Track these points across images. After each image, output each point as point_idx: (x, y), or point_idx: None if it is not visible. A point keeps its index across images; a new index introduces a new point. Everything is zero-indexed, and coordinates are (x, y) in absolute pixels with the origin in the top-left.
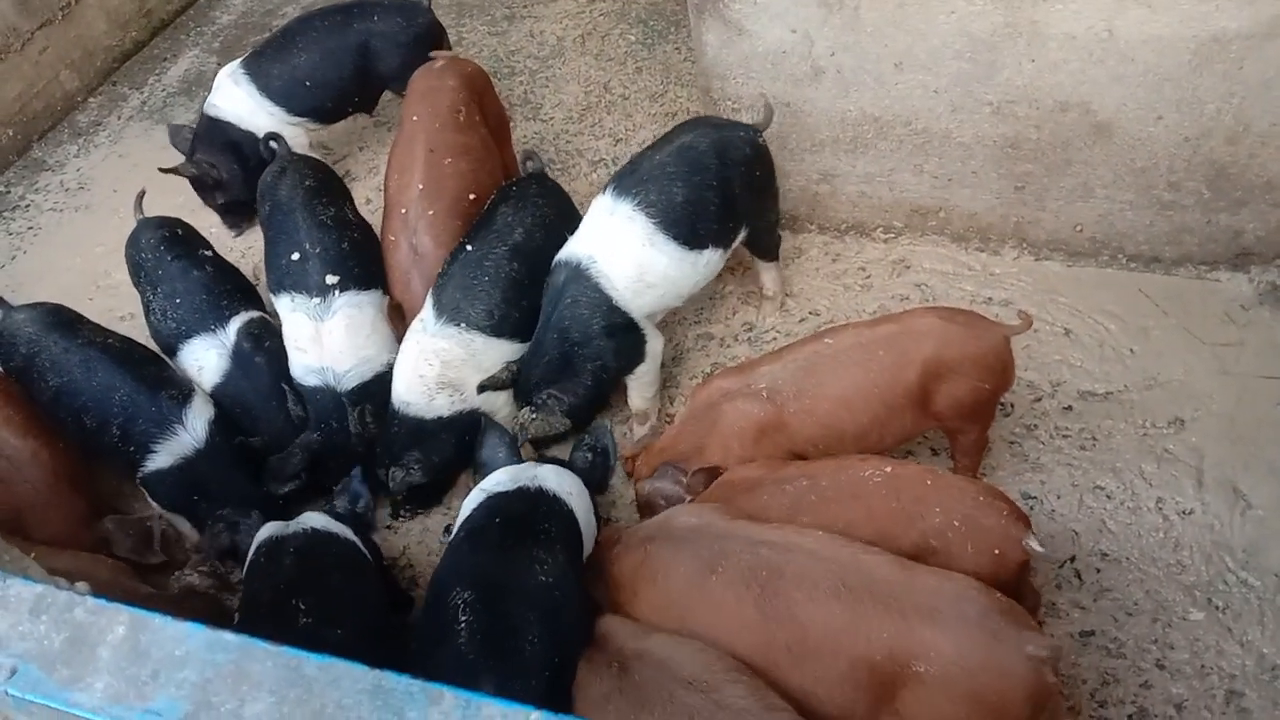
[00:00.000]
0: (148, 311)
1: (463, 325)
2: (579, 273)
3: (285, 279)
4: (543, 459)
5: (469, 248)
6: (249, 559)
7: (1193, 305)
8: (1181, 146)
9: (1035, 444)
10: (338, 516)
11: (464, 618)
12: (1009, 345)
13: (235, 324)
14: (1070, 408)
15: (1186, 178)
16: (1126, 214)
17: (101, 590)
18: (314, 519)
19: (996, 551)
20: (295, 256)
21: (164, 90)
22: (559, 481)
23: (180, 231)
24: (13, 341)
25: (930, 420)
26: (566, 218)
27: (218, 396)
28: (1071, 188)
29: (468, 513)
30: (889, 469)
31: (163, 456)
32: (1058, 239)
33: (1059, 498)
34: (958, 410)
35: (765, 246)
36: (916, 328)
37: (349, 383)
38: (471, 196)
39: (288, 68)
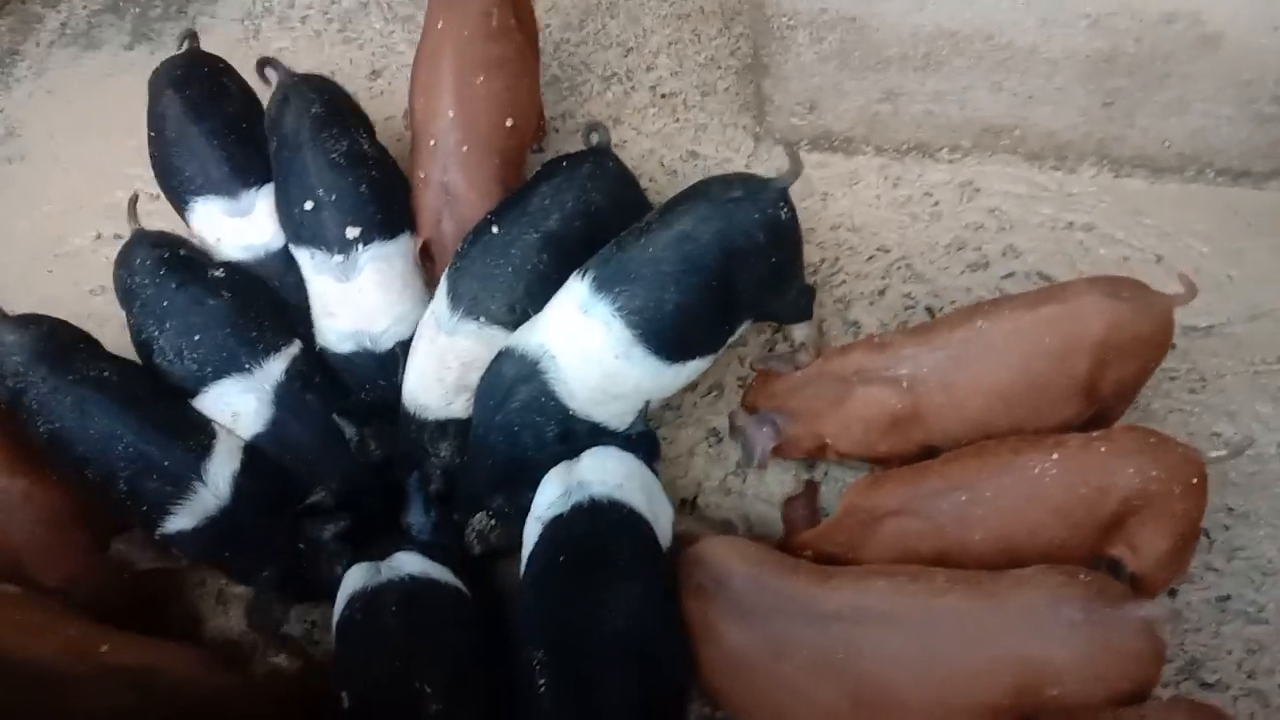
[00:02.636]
0: (148, 349)
1: (482, 320)
2: (533, 372)
3: (302, 231)
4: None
5: (495, 229)
6: (339, 615)
7: None
8: None
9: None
10: (427, 551)
11: (540, 681)
12: (1173, 317)
13: (277, 362)
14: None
15: None
16: (1222, 128)
17: (182, 685)
18: (408, 563)
19: (1194, 481)
20: (309, 206)
21: (85, 8)
22: (604, 474)
23: (182, 251)
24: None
25: (1091, 406)
26: (620, 207)
27: (263, 447)
28: (1166, 102)
29: (528, 549)
30: (1054, 455)
31: (182, 518)
32: (1142, 155)
33: None
34: (1121, 393)
35: (790, 316)
36: (1083, 309)
37: (386, 343)
38: (509, 123)
39: None
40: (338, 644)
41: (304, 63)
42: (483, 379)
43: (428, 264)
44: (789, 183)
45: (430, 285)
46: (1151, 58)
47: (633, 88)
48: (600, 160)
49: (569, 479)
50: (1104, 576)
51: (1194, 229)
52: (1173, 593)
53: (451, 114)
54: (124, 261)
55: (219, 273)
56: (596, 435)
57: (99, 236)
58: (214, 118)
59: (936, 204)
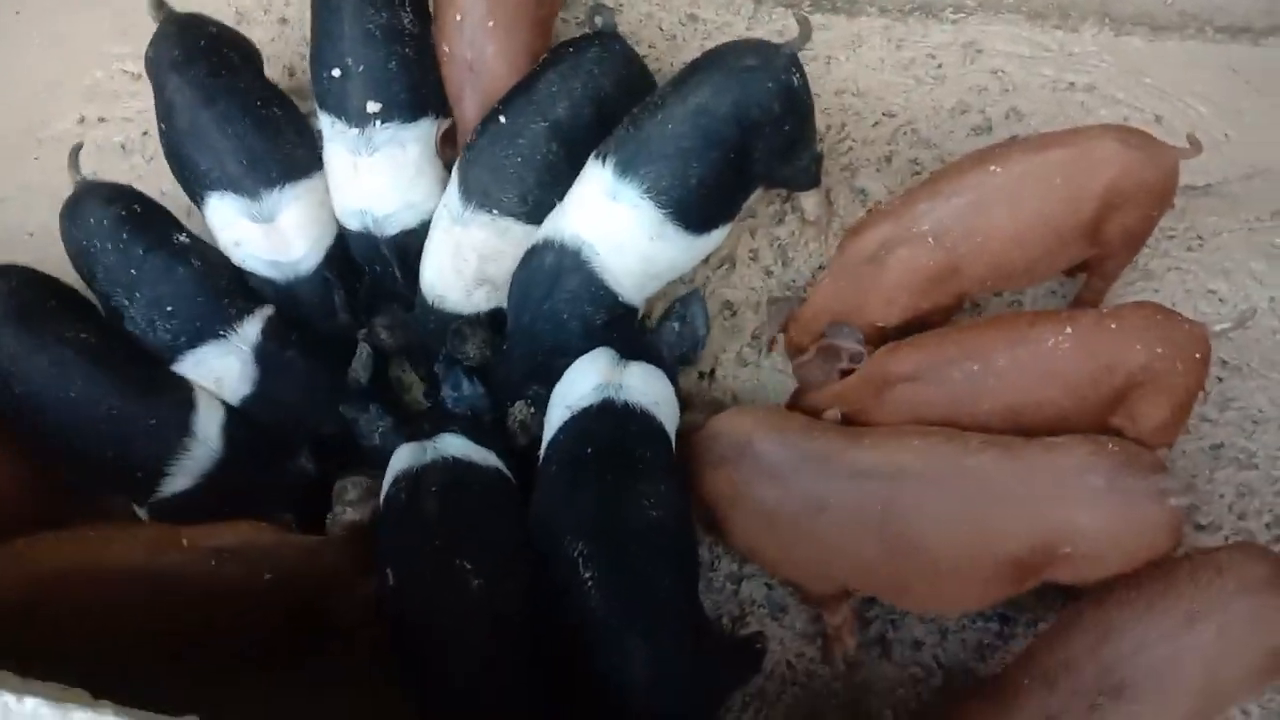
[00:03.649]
0: (117, 316)
1: (495, 212)
2: (577, 264)
3: (327, 97)
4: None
5: (502, 119)
6: (386, 493)
7: None
8: None
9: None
10: (471, 432)
11: (588, 574)
12: (1178, 169)
13: (252, 324)
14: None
15: None
16: None
17: (270, 550)
18: (453, 444)
19: (1198, 356)
20: (336, 73)
21: None
22: (646, 389)
23: (139, 209)
24: None
25: (1093, 248)
26: (628, 91)
27: (250, 408)
28: None
29: (551, 433)
30: (1068, 329)
31: (180, 478)
32: (1143, 12)
33: (1174, 305)
34: (1125, 239)
35: (801, 183)
36: (1095, 154)
37: (390, 228)
38: None
39: None
40: (383, 522)
41: None
42: (520, 274)
43: (447, 149)
44: (799, 47)
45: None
46: None
47: None
48: (607, 44)
49: (610, 377)
50: (1132, 447)
51: (1193, 88)
52: (1169, 444)
53: None
54: (74, 217)
55: (184, 237)
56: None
57: (82, 120)
58: (226, 100)
59: (940, 66)
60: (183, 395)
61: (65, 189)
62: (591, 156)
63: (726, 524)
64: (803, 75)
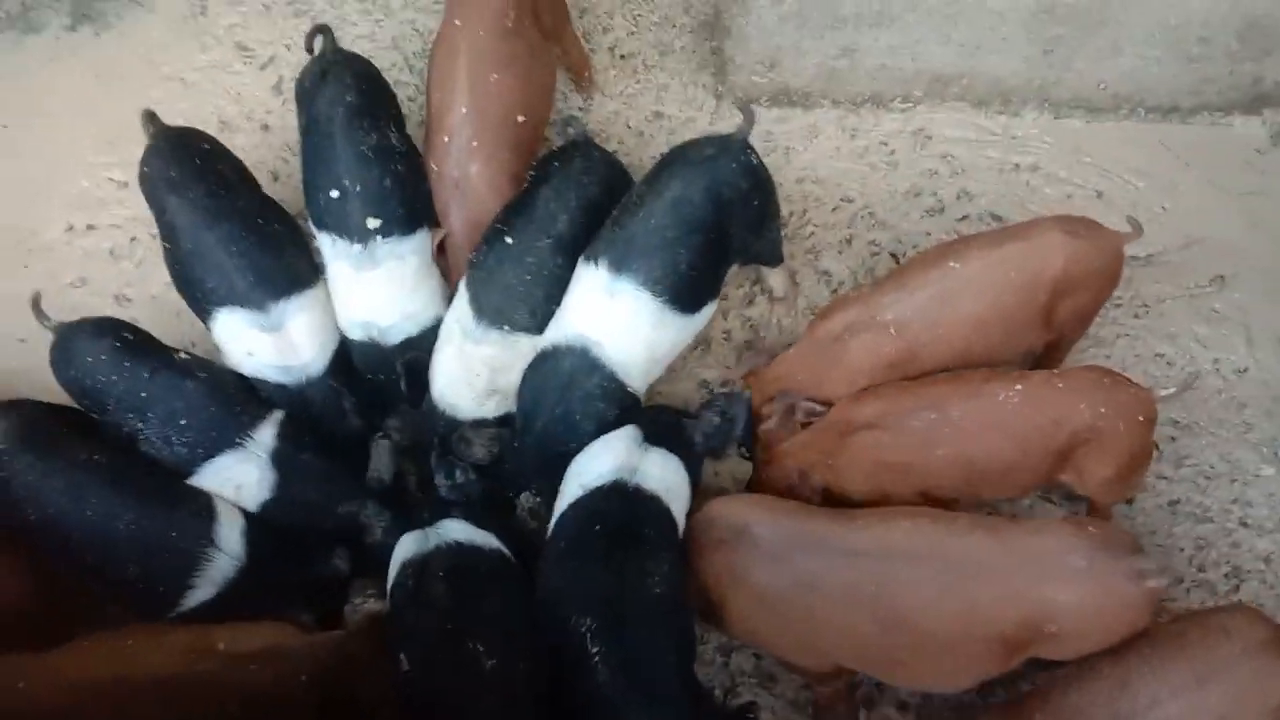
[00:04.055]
0: (133, 440)
1: (506, 329)
2: (587, 362)
3: (326, 217)
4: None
5: (508, 240)
6: (393, 581)
7: (1213, 154)
8: (1218, 3)
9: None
10: (471, 516)
11: (595, 649)
12: (1122, 252)
13: (266, 429)
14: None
15: (1218, 31)
16: (1152, 69)
17: (301, 651)
18: (456, 530)
19: (1141, 418)
20: (334, 194)
21: None
22: (661, 476)
23: (130, 335)
24: None
25: (1049, 333)
26: (613, 192)
27: (271, 512)
28: (1101, 47)
29: (564, 507)
30: (1018, 386)
31: (203, 589)
32: (1079, 96)
33: (1125, 369)
34: (1077, 321)
35: (769, 257)
36: (1044, 245)
37: (394, 338)
38: (520, 118)
39: None
40: (393, 609)
41: (256, 37)
42: (531, 381)
43: (441, 258)
44: (748, 132)
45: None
46: (1088, 7)
47: (592, 50)
48: (586, 153)
49: (627, 459)
50: (1110, 529)
51: (1130, 165)
52: (1130, 502)
53: (464, 109)
54: (69, 360)
55: (182, 354)
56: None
57: (70, 228)
58: (228, 219)
59: (893, 153)
60: (201, 505)
61: (60, 295)
62: (581, 261)
63: (724, 606)
64: (758, 156)
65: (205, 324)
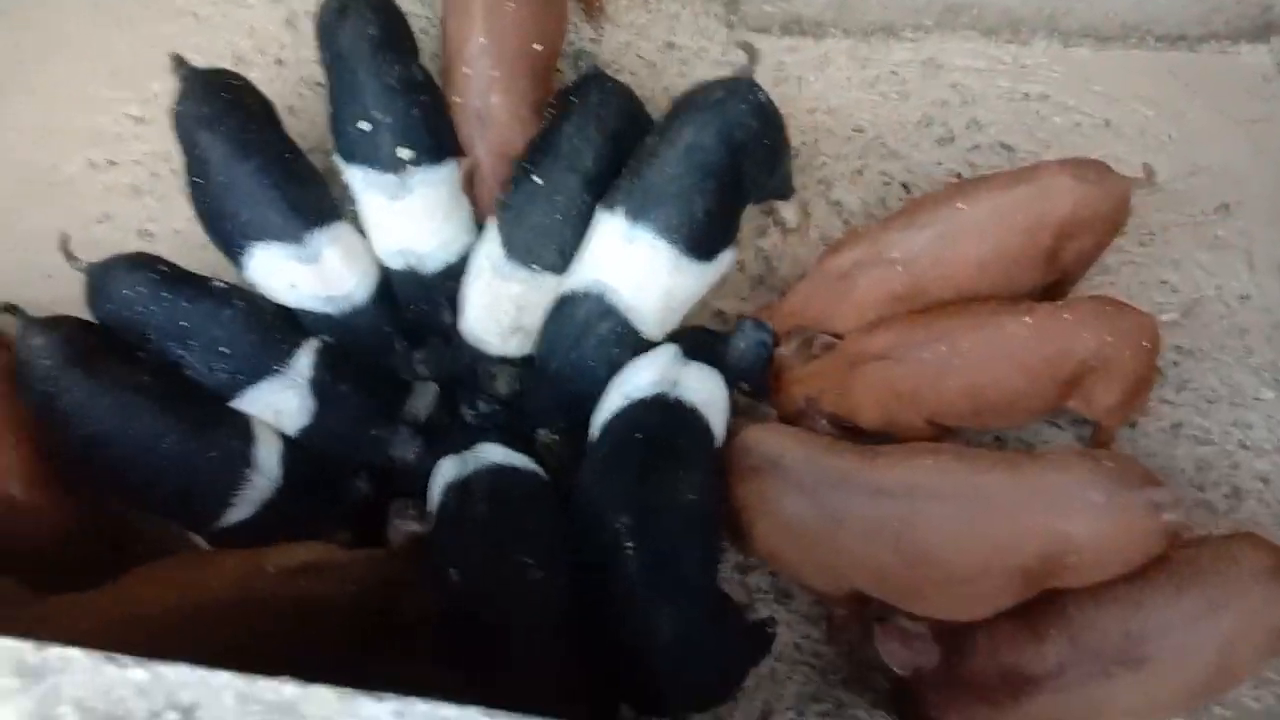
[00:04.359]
0: (176, 367)
1: (535, 267)
2: (603, 308)
3: (357, 150)
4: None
5: (535, 179)
6: (438, 502)
7: (1220, 82)
8: None
9: None
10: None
11: (628, 544)
12: (1130, 197)
13: (304, 357)
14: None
15: None
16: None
17: (345, 567)
18: (492, 452)
19: (1145, 343)
20: (365, 126)
21: None
22: (700, 388)
23: (165, 267)
24: (28, 374)
25: (1053, 272)
26: (633, 123)
27: (308, 438)
28: None
29: (607, 416)
30: (1026, 318)
31: (241, 509)
32: (1088, 25)
33: (1130, 296)
34: (1081, 262)
35: (782, 191)
36: (1052, 190)
37: (432, 265)
38: (537, 47)
39: None
40: (438, 529)
41: None
42: (550, 324)
43: (469, 189)
44: (752, 71)
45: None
46: None
47: None
48: (601, 85)
49: (669, 374)
50: (1127, 462)
51: (1138, 93)
52: (1133, 425)
53: (482, 40)
54: (106, 296)
55: (219, 283)
56: None
57: (91, 164)
58: (260, 153)
59: (904, 82)
60: (241, 428)
61: (85, 229)
62: (599, 208)
63: (752, 530)
64: (766, 94)
65: (237, 262)
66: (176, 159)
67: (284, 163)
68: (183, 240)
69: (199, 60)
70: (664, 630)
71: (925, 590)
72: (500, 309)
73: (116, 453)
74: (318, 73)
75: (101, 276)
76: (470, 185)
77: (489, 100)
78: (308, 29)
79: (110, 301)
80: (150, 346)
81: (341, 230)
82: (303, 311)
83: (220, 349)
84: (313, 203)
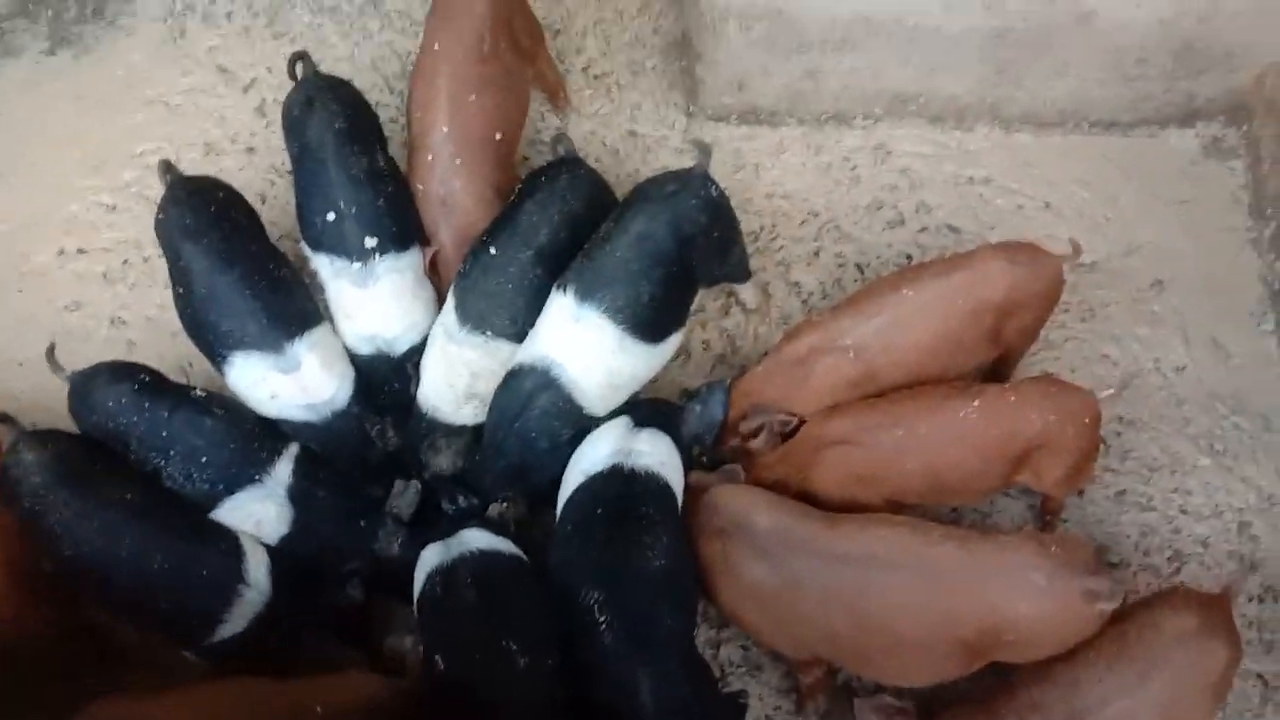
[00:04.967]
0: (154, 476)
1: (488, 333)
2: (548, 382)
3: (324, 239)
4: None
5: (492, 251)
6: (420, 590)
7: (1151, 165)
8: (1156, 28)
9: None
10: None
11: (603, 618)
12: (1062, 273)
13: (284, 464)
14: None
15: (1155, 53)
16: (1095, 89)
17: (398, 705)
18: (475, 538)
19: (1087, 420)
20: (331, 217)
21: None
22: (654, 452)
23: (146, 377)
24: (17, 489)
25: (997, 348)
26: (597, 209)
27: (289, 545)
28: (1048, 68)
29: (568, 493)
30: (976, 402)
31: (233, 624)
32: (1029, 113)
33: (1074, 371)
34: (1023, 337)
35: (736, 276)
36: (988, 274)
37: (400, 347)
38: (498, 136)
39: None
40: (422, 616)
41: (237, 59)
42: (498, 396)
43: (433, 274)
44: (706, 165)
45: (439, 293)
46: (1037, 32)
47: (566, 70)
48: (573, 170)
49: (622, 444)
50: (1072, 547)
51: (1075, 176)
52: (1080, 493)
53: (446, 129)
54: (89, 405)
55: (199, 392)
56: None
57: (62, 252)
58: (242, 264)
59: (855, 168)
60: (230, 544)
61: (55, 318)
62: (554, 287)
63: (716, 587)
64: (718, 187)
65: (219, 369)
66: (148, 247)
67: (266, 273)
68: (154, 327)
69: (170, 151)
70: (644, 694)
71: (873, 655)
72: (455, 374)
73: (106, 573)
74: (288, 160)
75: (85, 386)
76: (434, 270)
77: (453, 186)
78: (277, 117)
79: (94, 412)
80: (132, 456)
81: (321, 335)
82: (284, 420)
83: (200, 459)
84: (294, 311)
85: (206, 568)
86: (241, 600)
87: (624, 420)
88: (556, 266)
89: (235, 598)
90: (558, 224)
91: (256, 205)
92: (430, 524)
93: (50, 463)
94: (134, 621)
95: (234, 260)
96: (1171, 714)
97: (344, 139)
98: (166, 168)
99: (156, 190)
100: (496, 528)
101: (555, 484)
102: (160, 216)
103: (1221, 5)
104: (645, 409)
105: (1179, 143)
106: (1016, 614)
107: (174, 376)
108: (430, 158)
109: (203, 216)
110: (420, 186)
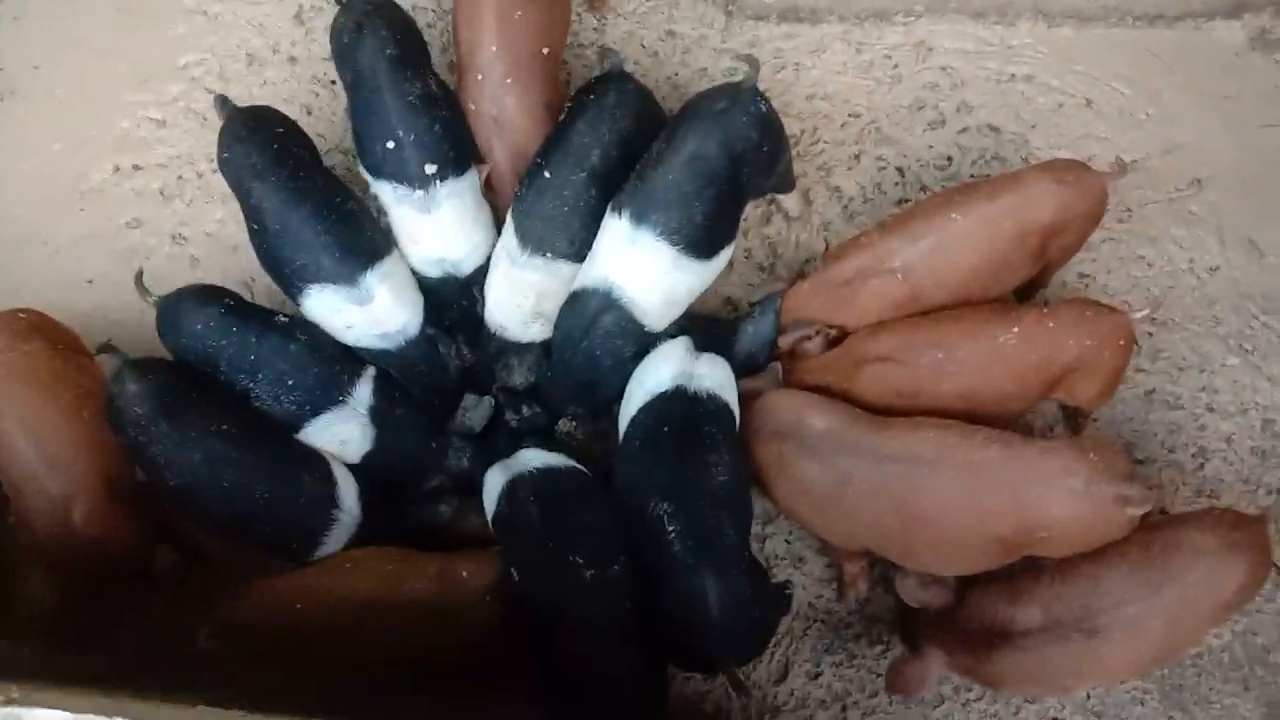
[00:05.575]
0: (244, 396)
1: (549, 255)
2: (610, 303)
3: (384, 166)
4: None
5: (546, 174)
6: (491, 512)
7: (1195, 59)
8: None
9: None
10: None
11: (672, 528)
12: (1107, 192)
13: (364, 386)
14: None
15: None
16: None
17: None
18: (532, 457)
19: (1121, 342)
20: (390, 145)
21: None
22: (713, 376)
23: (232, 301)
24: (121, 419)
25: (1039, 265)
26: (646, 124)
27: (371, 463)
28: None
29: (632, 413)
30: (1015, 329)
31: (331, 545)
32: (1071, 6)
33: (1109, 273)
34: (1066, 254)
35: (782, 187)
36: (1036, 195)
37: (467, 268)
38: (545, 50)
39: None
40: (496, 534)
41: None
42: (563, 317)
43: (489, 192)
44: (754, 80)
45: (497, 213)
46: None
47: None
48: (621, 87)
49: (684, 367)
50: (1110, 455)
51: (1118, 72)
52: None
53: (494, 48)
54: (179, 330)
55: (282, 317)
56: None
57: (118, 169)
58: (312, 198)
59: (896, 66)
60: (323, 472)
61: (118, 235)
62: (609, 209)
63: (771, 485)
64: (767, 101)
65: (296, 301)
66: (201, 162)
67: (334, 206)
68: (215, 242)
69: (213, 63)
70: (711, 598)
71: (918, 548)
72: (520, 296)
73: (209, 502)
74: (331, 70)
75: (172, 310)
76: (490, 188)
77: (504, 104)
78: (317, 24)
79: (182, 335)
80: (222, 377)
81: (391, 266)
82: (360, 348)
83: (287, 382)
84: (364, 243)
85: (303, 496)
86: (337, 524)
87: (684, 341)
88: (610, 185)
89: (331, 523)
90: (609, 143)
91: (302, 117)
92: (496, 439)
93: (151, 393)
94: (239, 543)
95: (304, 196)
96: (1176, 623)
97: (397, 65)
98: (223, 102)
99: (204, 104)
100: (554, 444)
101: (617, 398)
102: (225, 155)
103: None
104: (702, 330)
105: (1225, 35)
106: (1053, 515)
107: (237, 291)
108: (480, 77)
109: (268, 154)
110: (472, 106)
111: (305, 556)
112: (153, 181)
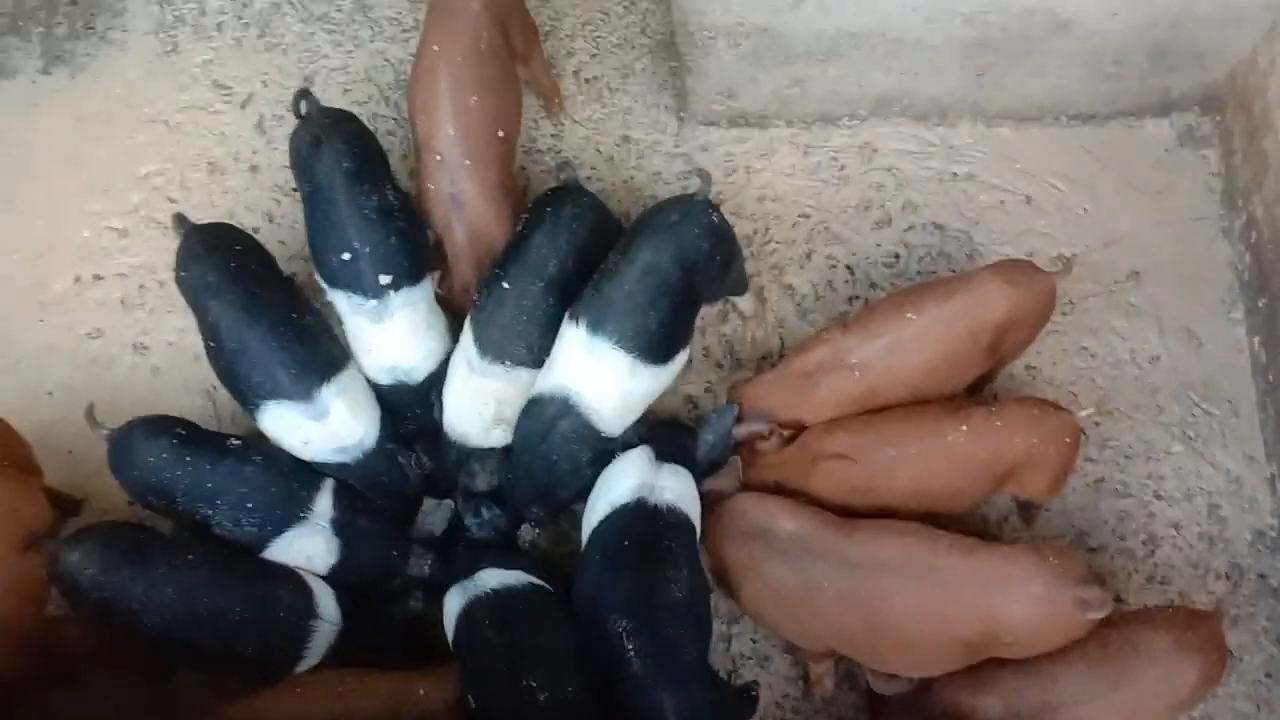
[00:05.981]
0: (204, 527)
1: (508, 363)
2: (567, 409)
3: (340, 277)
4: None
5: (505, 284)
6: (451, 635)
7: (1128, 156)
8: (1130, 33)
9: None
10: (503, 560)
11: (630, 645)
12: (1055, 290)
13: (322, 500)
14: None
15: (1130, 55)
16: (1073, 85)
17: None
18: (490, 578)
19: (1067, 440)
20: (346, 256)
21: None
22: (676, 488)
23: (183, 430)
24: (76, 590)
25: (991, 362)
26: (601, 234)
27: (337, 575)
28: (1028, 71)
29: (595, 522)
30: (964, 427)
31: (312, 656)
32: (1008, 107)
33: (1055, 364)
34: (1016, 350)
35: (736, 290)
36: (987, 296)
37: (419, 375)
38: (501, 134)
39: None
40: (456, 658)
41: (232, 73)
42: (522, 423)
43: (445, 280)
44: (707, 192)
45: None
46: (1016, 40)
47: (558, 74)
48: (576, 199)
49: (646, 479)
50: (1068, 558)
51: (1055, 169)
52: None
53: (452, 132)
54: (131, 463)
55: (234, 439)
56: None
57: (78, 279)
58: (267, 316)
59: (843, 168)
60: (297, 582)
61: (79, 346)
62: (566, 317)
63: (739, 587)
64: (719, 213)
65: (253, 416)
66: (162, 271)
67: (290, 322)
68: (176, 352)
69: (174, 172)
70: (670, 713)
71: (884, 651)
72: (481, 403)
73: (189, 633)
74: (291, 179)
75: (123, 445)
76: (446, 279)
77: (462, 186)
78: (278, 133)
79: (135, 468)
80: (177, 508)
81: (348, 380)
82: (318, 464)
83: (247, 505)
84: (320, 358)
85: (282, 609)
86: (317, 634)
87: (645, 452)
88: (567, 293)
89: (312, 632)
90: (565, 254)
91: (264, 224)
92: (458, 547)
93: (98, 552)
94: (222, 670)
95: (259, 314)
96: None
97: (353, 178)
98: (180, 220)
99: (164, 212)
100: (515, 557)
101: (578, 498)
102: (182, 273)
103: (1192, 9)
104: (663, 439)
105: (1155, 131)
106: (1015, 619)
107: (199, 401)
108: (439, 158)
109: (224, 272)
110: (430, 185)
111: (289, 671)
112: (114, 291)
